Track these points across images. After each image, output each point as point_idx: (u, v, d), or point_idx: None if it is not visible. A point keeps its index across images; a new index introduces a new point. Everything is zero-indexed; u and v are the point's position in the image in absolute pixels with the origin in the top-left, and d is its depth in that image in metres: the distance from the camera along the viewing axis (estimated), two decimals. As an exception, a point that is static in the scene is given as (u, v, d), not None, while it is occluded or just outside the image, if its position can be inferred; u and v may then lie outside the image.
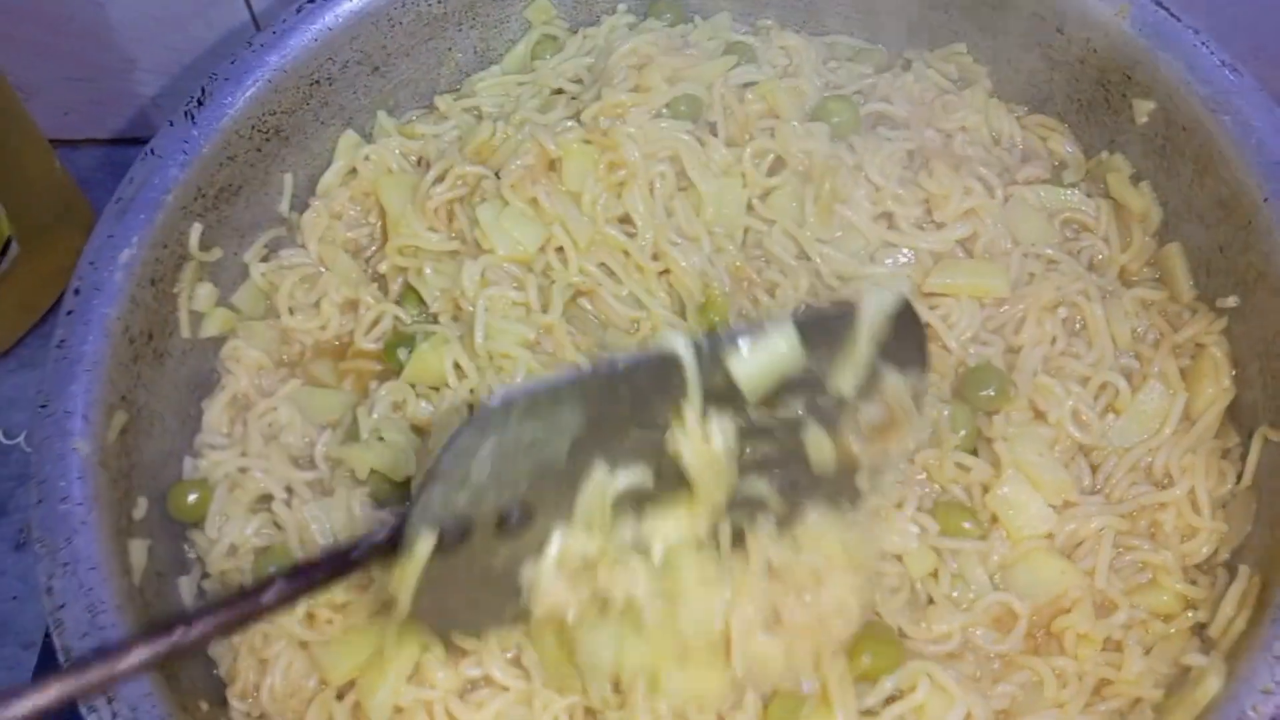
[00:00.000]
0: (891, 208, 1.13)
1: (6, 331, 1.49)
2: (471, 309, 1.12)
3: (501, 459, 0.82)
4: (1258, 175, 1.02)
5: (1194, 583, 1.00)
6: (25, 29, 1.51)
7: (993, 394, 1.06)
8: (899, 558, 1.00)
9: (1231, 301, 1.06)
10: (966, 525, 1.01)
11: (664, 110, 1.17)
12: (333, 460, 1.11)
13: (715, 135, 1.18)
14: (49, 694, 0.72)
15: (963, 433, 1.05)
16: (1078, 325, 1.11)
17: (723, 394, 0.85)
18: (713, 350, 0.84)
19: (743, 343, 0.84)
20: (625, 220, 1.15)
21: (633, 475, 0.86)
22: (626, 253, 1.13)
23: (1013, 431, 1.05)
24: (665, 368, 0.84)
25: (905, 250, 1.13)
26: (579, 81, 1.26)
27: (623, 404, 0.84)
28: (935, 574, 1.00)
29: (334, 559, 0.84)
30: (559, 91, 1.27)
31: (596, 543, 0.87)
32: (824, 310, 1.03)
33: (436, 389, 1.11)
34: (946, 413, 1.05)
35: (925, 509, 1.03)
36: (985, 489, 1.03)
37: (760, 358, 0.85)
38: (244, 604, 0.79)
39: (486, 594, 0.88)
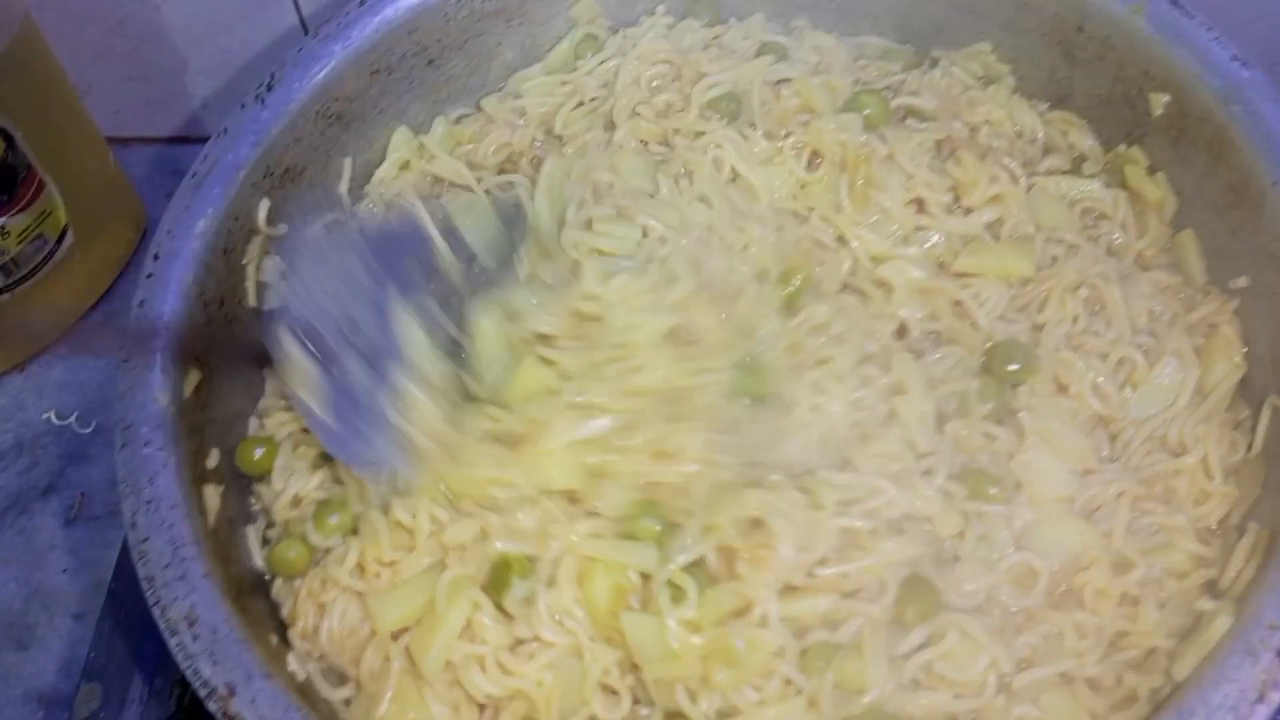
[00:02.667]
0: (922, 193, 1.19)
1: (60, 317, 1.54)
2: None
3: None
4: (1267, 161, 1.08)
5: (1206, 544, 1.05)
6: (84, 30, 1.57)
7: (1019, 368, 1.12)
8: (929, 519, 1.05)
9: (1243, 282, 1.12)
10: (992, 491, 1.06)
11: (707, 111, 1.25)
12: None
13: (756, 129, 1.25)
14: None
15: (990, 405, 1.10)
16: (1097, 306, 1.16)
17: None
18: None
19: None
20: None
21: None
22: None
23: (1036, 403, 1.10)
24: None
25: (936, 234, 1.19)
26: (607, 85, 1.33)
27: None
28: (962, 534, 1.05)
29: None
30: (590, 100, 1.34)
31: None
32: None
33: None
34: (975, 385, 1.11)
35: (954, 476, 1.08)
36: (1010, 456, 1.08)
37: None
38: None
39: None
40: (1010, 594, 1.03)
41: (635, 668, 1.00)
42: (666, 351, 1.09)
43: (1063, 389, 1.12)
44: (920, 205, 1.20)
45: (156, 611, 0.93)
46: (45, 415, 1.48)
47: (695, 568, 1.00)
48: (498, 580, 1.02)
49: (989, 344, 1.15)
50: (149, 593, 0.93)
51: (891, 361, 1.11)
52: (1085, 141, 1.28)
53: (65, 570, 1.36)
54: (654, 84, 1.30)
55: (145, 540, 0.96)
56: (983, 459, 1.09)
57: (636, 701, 1.00)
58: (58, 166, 1.39)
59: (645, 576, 1.02)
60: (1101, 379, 1.11)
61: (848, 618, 0.99)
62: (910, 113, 1.27)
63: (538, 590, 1.01)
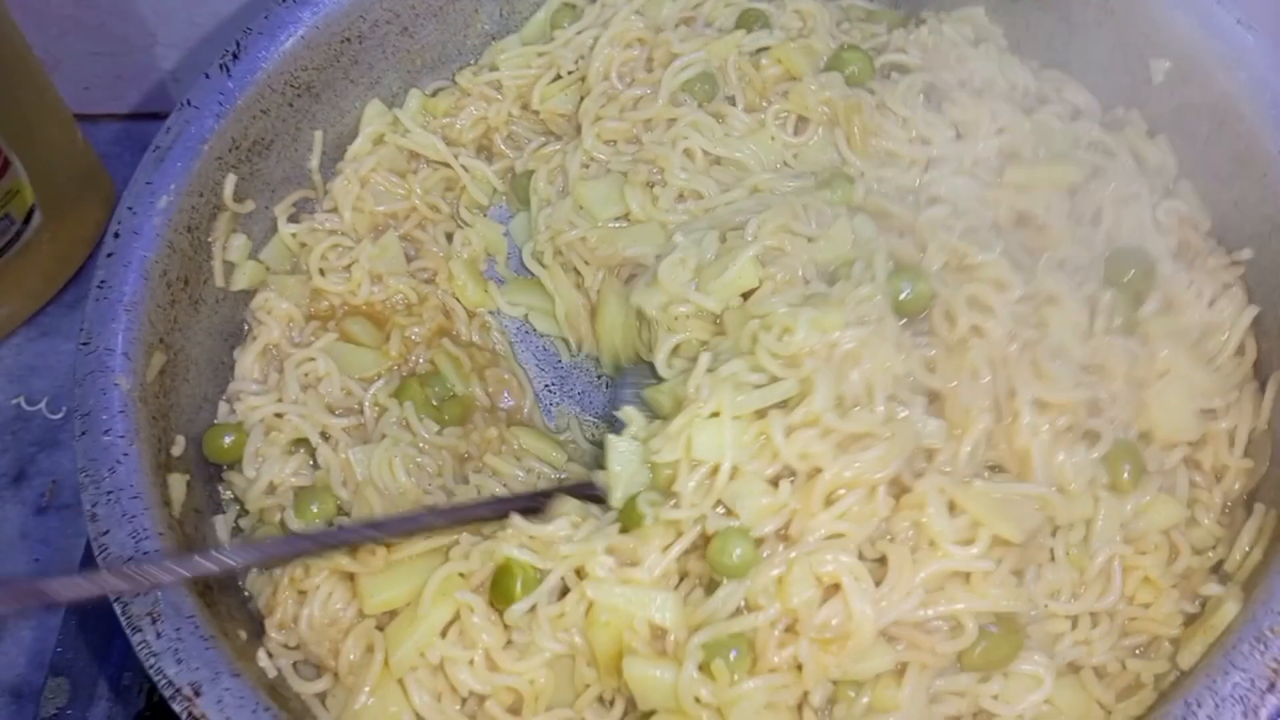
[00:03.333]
0: (923, 132, 1.15)
1: (29, 299, 1.50)
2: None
3: None
4: (1272, 129, 1.05)
5: (1221, 523, 1.01)
6: (50, 3, 1.52)
7: (1136, 274, 1.07)
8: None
9: (1246, 254, 1.08)
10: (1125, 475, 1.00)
11: (680, 95, 1.21)
12: (380, 407, 1.14)
13: (735, 105, 1.21)
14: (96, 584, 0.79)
15: (1119, 319, 1.06)
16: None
17: None
18: None
19: None
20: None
21: None
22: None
23: (1157, 321, 1.07)
24: None
25: (955, 160, 1.15)
26: (583, 57, 1.30)
27: None
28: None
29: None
30: (568, 74, 1.30)
31: None
32: None
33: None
34: (1106, 296, 1.06)
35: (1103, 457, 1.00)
36: (1142, 385, 1.03)
37: None
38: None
39: None
40: (1092, 596, 0.98)
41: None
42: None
43: (1170, 305, 1.07)
44: (925, 141, 1.16)
45: (118, 608, 0.88)
46: (14, 401, 1.45)
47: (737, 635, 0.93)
48: (501, 589, 0.98)
49: (1107, 253, 1.09)
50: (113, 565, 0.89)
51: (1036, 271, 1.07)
52: (1080, 97, 1.23)
53: (37, 559, 1.33)
54: (625, 69, 1.26)
55: (106, 533, 0.91)
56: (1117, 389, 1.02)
57: (628, 711, 0.96)
58: (23, 145, 1.35)
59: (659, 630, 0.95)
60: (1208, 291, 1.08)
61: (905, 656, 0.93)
62: (896, 68, 1.23)
63: (539, 605, 0.97)
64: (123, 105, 1.69)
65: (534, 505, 1.03)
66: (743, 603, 0.93)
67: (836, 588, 0.91)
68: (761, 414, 0.97)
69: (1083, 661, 0.96)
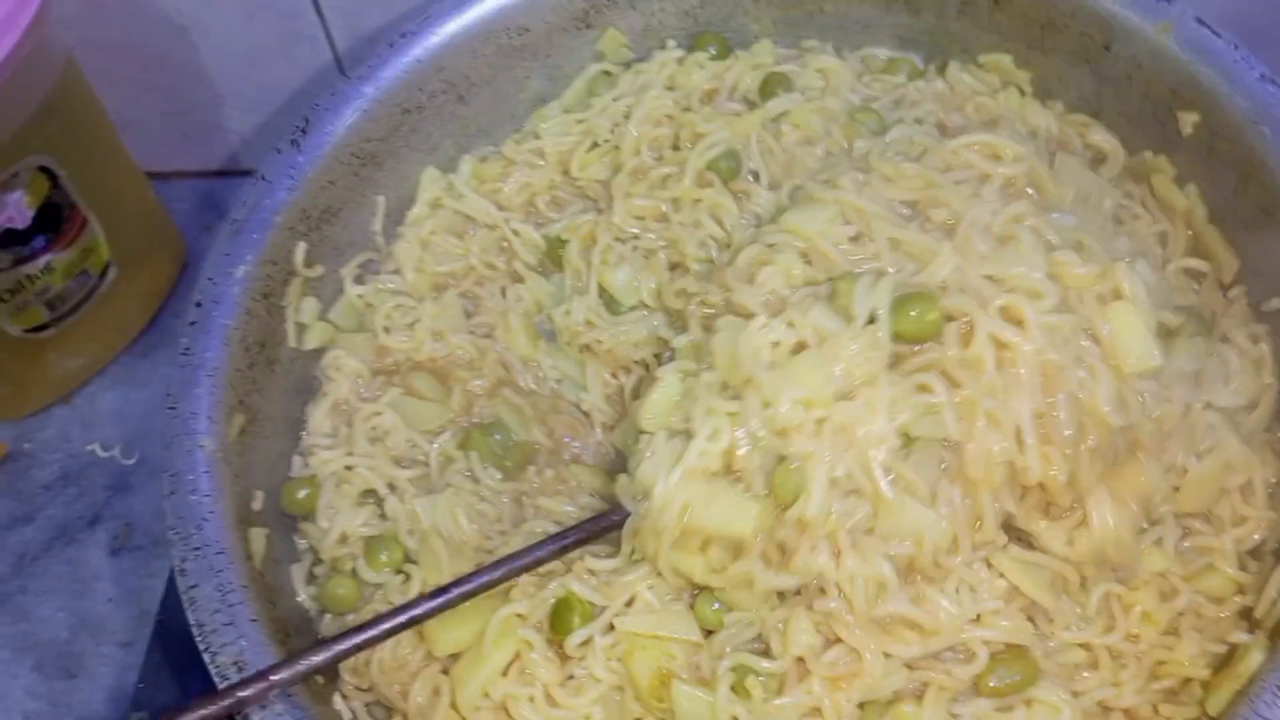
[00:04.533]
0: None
1: (103, 349, 1.58)
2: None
3: None
4: (1298, 184, 1.08)
5: (1244, 569, 1.04)
6: (124, 67, 1.61)
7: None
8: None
9: (1277, 304, 1.11)
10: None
11: (707, 174, 1.25)
12: (445, 458, 1.21)
13: (759, 182, 1.26)
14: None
15: None
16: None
17: None
18: None
19: None
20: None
21: None
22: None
23: None
24: None
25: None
26: (620, 125, 1.35)
27: None
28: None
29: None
30: (604, 141, 1.36)
31: None
32: None
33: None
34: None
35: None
36: None
37: None
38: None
39: None
40: (1096, 629, 1.02)
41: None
42: None
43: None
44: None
45: (207, 657, 0.95)
46: (90, 447, 1.52)
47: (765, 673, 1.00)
48: (559, 620, 1.04)
49: None
50: (200, 639, 0.96)
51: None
52: (1104, 140, 1.26)
53: (111, 600, 1.40)
54: (655, 145, 1.32)
55: (194, 587, 0.99)
56: None
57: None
58: (100, 203, 1.44)
59: (697, 646, 1.02)
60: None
61: (918, 684, 0.99)
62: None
63: (595, 635, 1.03)
64: (190, 163, 1.77)
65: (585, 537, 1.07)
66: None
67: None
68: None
69: (1113, 703, 0.99)
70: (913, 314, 0.96)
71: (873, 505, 0.96)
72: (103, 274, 1.48)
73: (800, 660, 0.99)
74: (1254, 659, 0.93)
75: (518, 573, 1.04)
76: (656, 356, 1.21)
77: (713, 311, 1.07)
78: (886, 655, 0.97)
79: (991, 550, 1.00)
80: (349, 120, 1.27)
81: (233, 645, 0.96)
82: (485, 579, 1.02)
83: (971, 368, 0.96)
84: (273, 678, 0.92)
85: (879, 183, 1.08)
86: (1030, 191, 1.13)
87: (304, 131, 1.24)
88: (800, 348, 0.99)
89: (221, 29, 1.58)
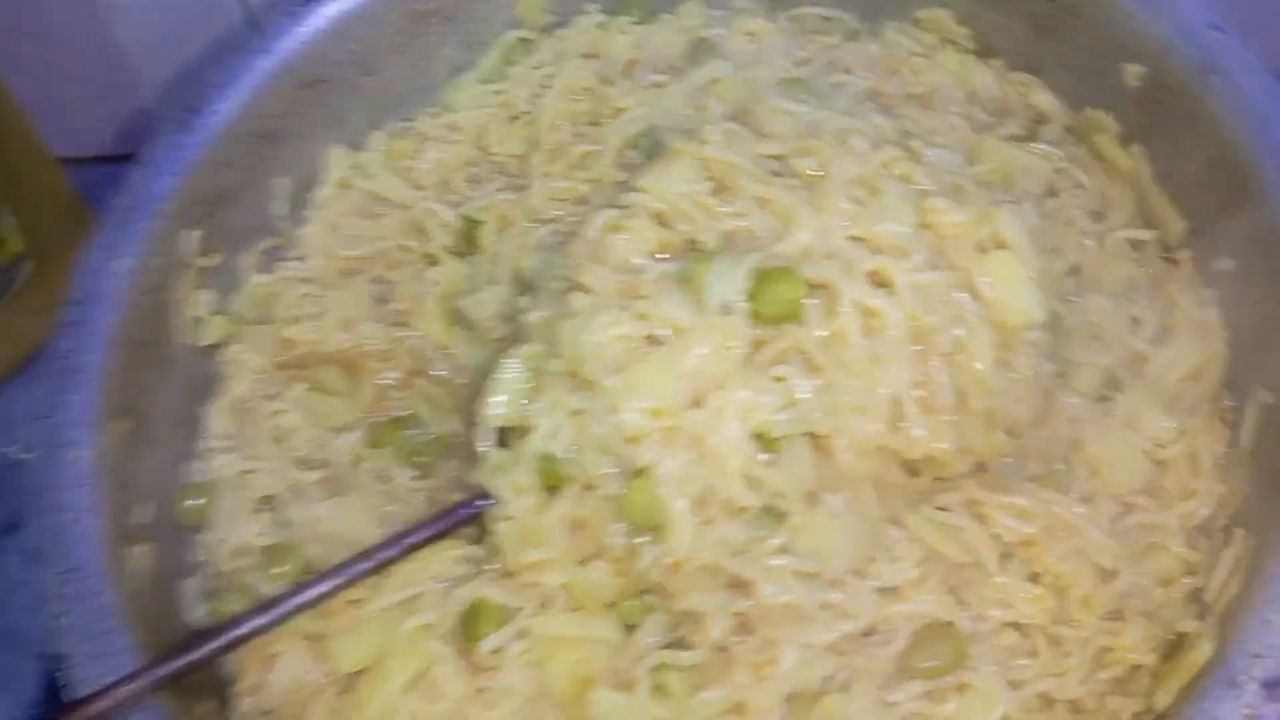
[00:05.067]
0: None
1: (21, 348, 1.49)
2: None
3: None
4: (1247, 137, 1.01)
5: (1194, 547, 0.99)
6: (31, 47, 1.51)
7: None
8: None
9: (1227, 265, 1.05)
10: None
11: (627, 152, 1.18)
12: (354, 457, 1.13)
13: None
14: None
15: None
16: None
17: None
18: None
19: None
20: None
21: None
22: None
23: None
24: None
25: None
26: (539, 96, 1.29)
27: None
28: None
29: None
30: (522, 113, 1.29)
31: None
32: None
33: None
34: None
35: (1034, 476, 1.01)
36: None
37: None
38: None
39: None
40: (1031, 608, 0.96)
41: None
42: None
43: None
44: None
45: (65, 694, 0.88)
46: (6, 450, 1.44)
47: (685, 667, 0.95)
48: (469, 628, 0.98)
49: None
50: (67, 672, 0.89)
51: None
52: (1046, 100, 1.19)
53: (29, 609, 1.32)
54: (574, 121, 1.25)
55: (64, 615, 0.91)
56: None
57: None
58: (9, 192, 1.36)
59: (617, 646, 0.97)
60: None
61: (846, 671, 0.94)
62: (839, 89, 1.20)
63: (509, 642, 0.97)
64: (108, 147, 1.68)
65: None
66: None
67: None
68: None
69: (1056, 694, 0.94)
70: (773, 294, 0.89)
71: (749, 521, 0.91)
72: (15, 267, 1.41)
73: (722, 650, 0.94)
74: (1202, 650, 0.87)
75: (366, 574, 0.97)
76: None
77: (568, 284, 0.99)
78: (804, 646, 0.93)
79: (903, 511, 0.95)
80: (243, 97, 1.18)
81: (95, 682, 0.88)
82: (318, 589, 0.96)
83: (837, 343, 0.90)
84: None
85: (747, 135, 1.01)
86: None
87: (192, 111, 1.16)
88: (652, 340, 0.92)
89: (134, 5, 1.49)
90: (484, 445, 0.98)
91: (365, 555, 0.98)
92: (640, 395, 0.89)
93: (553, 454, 0.94)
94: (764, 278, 0.90)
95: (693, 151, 0.99)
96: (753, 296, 0.90)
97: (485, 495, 0.98)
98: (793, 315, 0.90)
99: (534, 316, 1.00)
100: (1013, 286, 0.94)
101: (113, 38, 1.53)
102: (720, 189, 0.98)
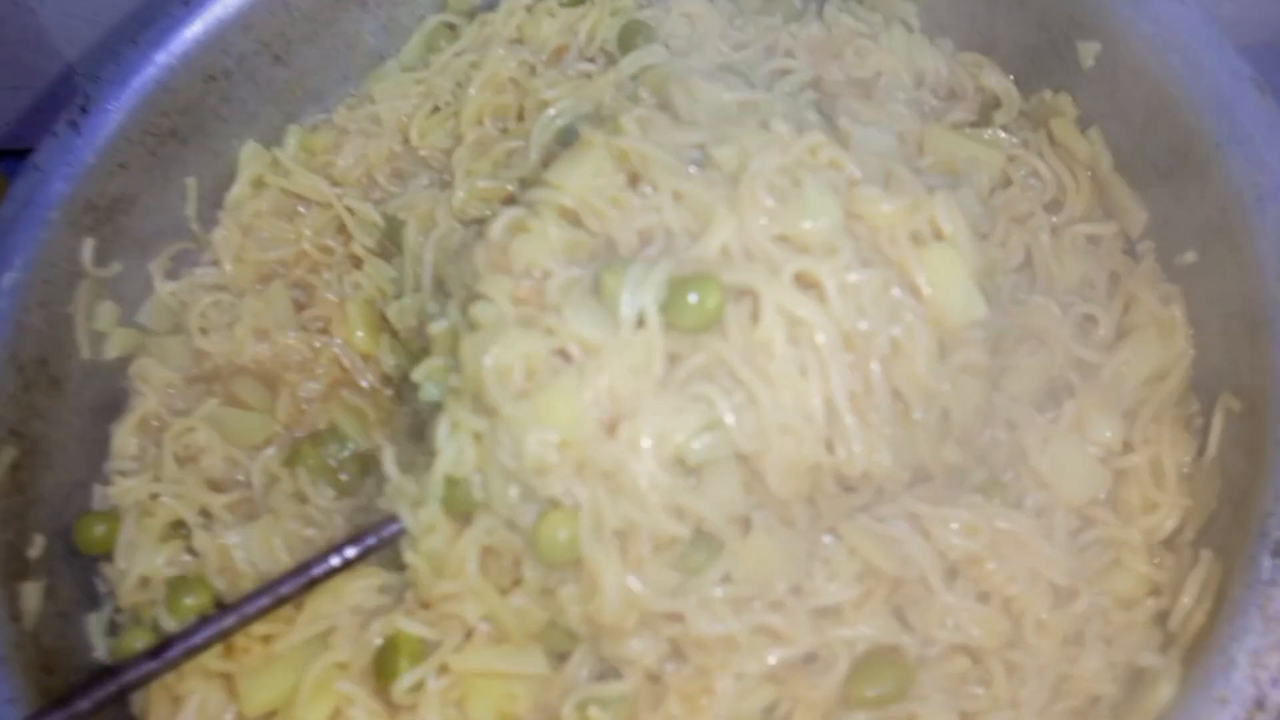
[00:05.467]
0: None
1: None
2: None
3: None
4: (1210, 119, 0.94)
5: (1158, 563, 0.93)
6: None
7: None
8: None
9: (1190, 258, 0.98)
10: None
11: (554, 147, 1.09)
12: (269, 477, 1.07)
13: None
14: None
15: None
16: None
17: None
18: None
19: None
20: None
21: None
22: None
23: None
24: None
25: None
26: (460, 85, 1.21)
27: None
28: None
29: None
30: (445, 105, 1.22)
31: None
32: None
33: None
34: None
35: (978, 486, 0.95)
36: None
37: None
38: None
39: None
40: (980, 630, 0.90)
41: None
42: None
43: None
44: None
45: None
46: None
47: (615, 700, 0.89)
48: (384, 665, 0.91)
49: None
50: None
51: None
52: (998, 83, 1.12)
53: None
54: (498, 114, 1.17)
55: (-57, 664, 0.85)
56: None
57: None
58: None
59: (545, 681, 0.91)
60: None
61: (787, 702, 0.88)
62: (779, 77, 1.11)
63: (428, 678, 0.90)
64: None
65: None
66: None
67: None
68: None
69: (1014, 727, 0.87)
70: (689, 304, 0.81)
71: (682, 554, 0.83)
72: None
73: (655, 680, 0.88)
74: (1163, 691, 0.81)
75: (268, 610, 0.91)
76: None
77: (470, 294, 0.90)
78: (738, 676, 0.87)
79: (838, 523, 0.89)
80: (140, 93, 1.10)
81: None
82: (215, 627, 0.90)
83: (761, 353, 0.82)
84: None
85: (666, 122, 0.93)
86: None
87: (83, 110, 1.08)
88: (561, 355, 0.84)
89: (61, -8, 1.42)
90: (390, 468, 0.92)
91: (268, 588, 0.91)
92: (546, 424, 0.81)
93: (458, 479, 0.86)
94: (679, 286, 0.82)
95: (605, 142, 0.91)
96: (668, 307, 0.82)
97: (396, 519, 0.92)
98: (710, 325, 0.83)
99: (437, 327, 0.91)
100: (951, 282, 0.87)
101: (39, 26, 1.46)
102: (635, 180, 0.90)
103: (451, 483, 0.87)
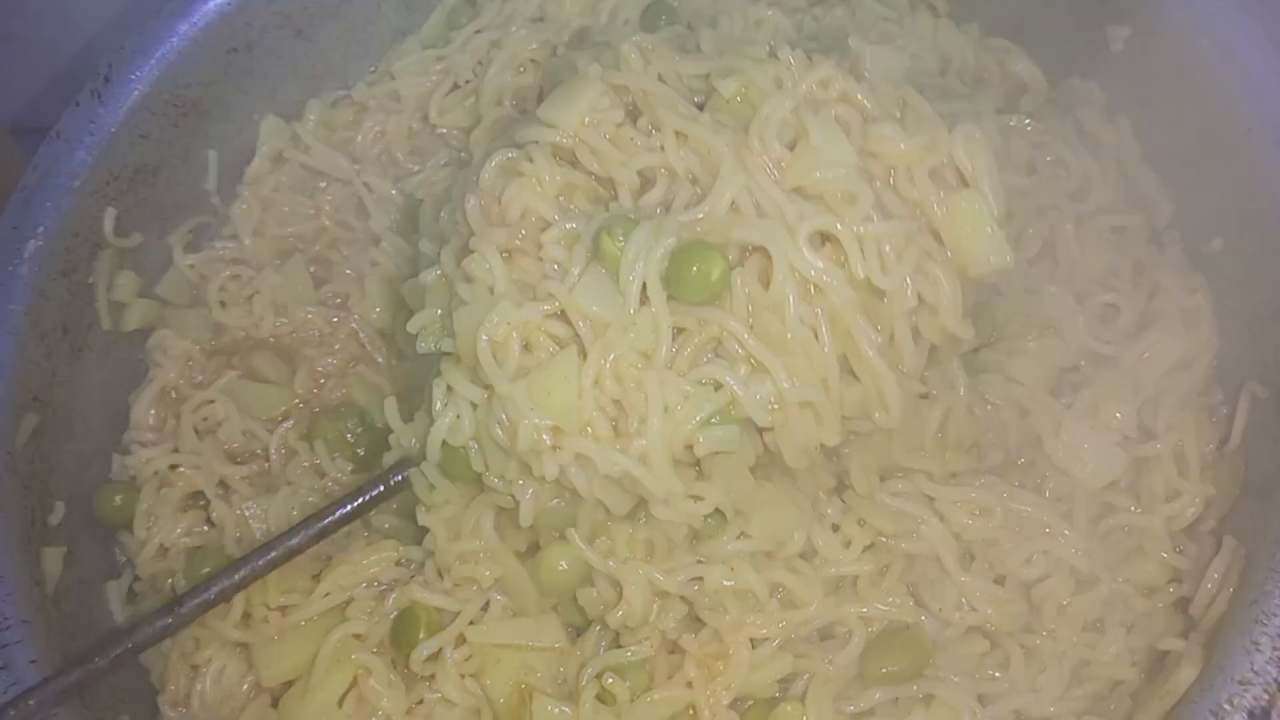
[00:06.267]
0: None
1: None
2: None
3: None
4: (1240, 105, 0.94)
5: (1180, 551, 0.93)
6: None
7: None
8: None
9: (1217, 246, 0.98)
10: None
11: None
12: (287, 450, 1.07)
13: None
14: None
15: None
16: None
17: None
18: None
19: None
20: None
21: None
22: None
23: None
24: None
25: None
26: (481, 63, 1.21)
27: None
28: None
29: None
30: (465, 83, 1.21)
31: None
32: None
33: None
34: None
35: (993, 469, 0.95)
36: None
37: None
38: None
39: None
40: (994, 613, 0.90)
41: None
42: None
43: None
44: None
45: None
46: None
47: (635, 664, 0.89)
48: (402, 635, 0.92)
49: None
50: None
51: None
52: (1025, 69, 1.11)
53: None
54: (518, 95, 1.16)
55: (-35, 626, 0.85)
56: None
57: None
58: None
59: (562, 653, 0.91)
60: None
61: (802, 674, 0.89)
62: None
63: (445, 649, 0.91)
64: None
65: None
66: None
67: None
68: None
69: (1032, 711, 0.87)
70: (694, 271, 0.78)
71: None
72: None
73: (672, 651, 0.89)
74: (1185, 673, 0.80)
75: (280, 560, 0.90)
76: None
77: (463, 246, 0.87)
78: (754, 640, 0.88)
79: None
80: (162, 64, 1.10)
81: (3, 695, 0.82)
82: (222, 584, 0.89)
83: (774, 317, 0.79)
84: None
85: (669, 50, 0.88)
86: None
87: (107, 80, 1.08)
88: (559, 318, 0.81)
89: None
90: (393, 419, 0.92)
91: (278, 540, 0.90)
92: (542, 409, 0.79)
93: (455, 447, 0.85)
94: (682, 257, 0.79)
95: (602, 75, 0.86)
96: (670, 278, 0.79)
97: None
98: (716, 297, 0.80)
99: (430, 276, 0.88)
100: (976, 231, 0.82)
101: (66, 6, 1.45)
102: (635, 114, 0.86)
103: (450, 450, 0.85)
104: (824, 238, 0.80)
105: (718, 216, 0.81)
